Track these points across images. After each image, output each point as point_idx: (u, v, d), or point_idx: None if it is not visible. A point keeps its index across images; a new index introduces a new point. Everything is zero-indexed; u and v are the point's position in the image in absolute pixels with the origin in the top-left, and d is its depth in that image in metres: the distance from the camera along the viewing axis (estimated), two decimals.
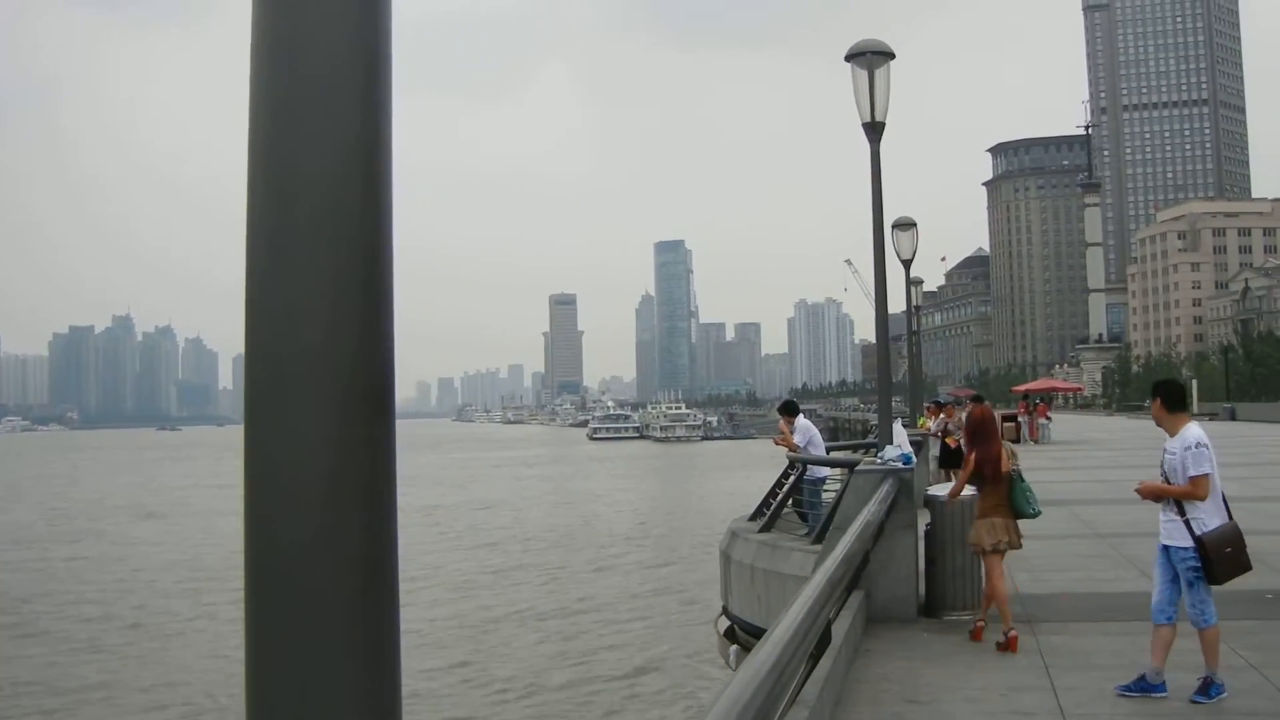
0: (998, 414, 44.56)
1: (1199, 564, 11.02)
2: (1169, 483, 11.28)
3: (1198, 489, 11.13)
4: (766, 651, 6.25)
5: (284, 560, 2.03)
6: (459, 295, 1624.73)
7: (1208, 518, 11.13)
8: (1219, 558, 11.05)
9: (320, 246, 2.05)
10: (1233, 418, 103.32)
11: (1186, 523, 11.12)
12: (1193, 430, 11.41)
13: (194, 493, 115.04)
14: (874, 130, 17.44)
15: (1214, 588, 11.17)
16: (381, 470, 2.12)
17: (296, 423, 2.04)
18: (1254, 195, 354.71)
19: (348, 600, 2.03)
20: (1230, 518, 11.29)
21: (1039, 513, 14.29)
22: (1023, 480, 14.28)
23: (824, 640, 9.81)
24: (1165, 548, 11.23)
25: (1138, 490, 11.59)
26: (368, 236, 2.09)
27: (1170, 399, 11.67)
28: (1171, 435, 11.46)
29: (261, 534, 2.05)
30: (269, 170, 2.07)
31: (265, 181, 2.07)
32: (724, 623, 23.36)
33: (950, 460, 33.67)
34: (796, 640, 6.94)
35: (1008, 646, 13.15)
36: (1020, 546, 14.23)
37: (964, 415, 36.08)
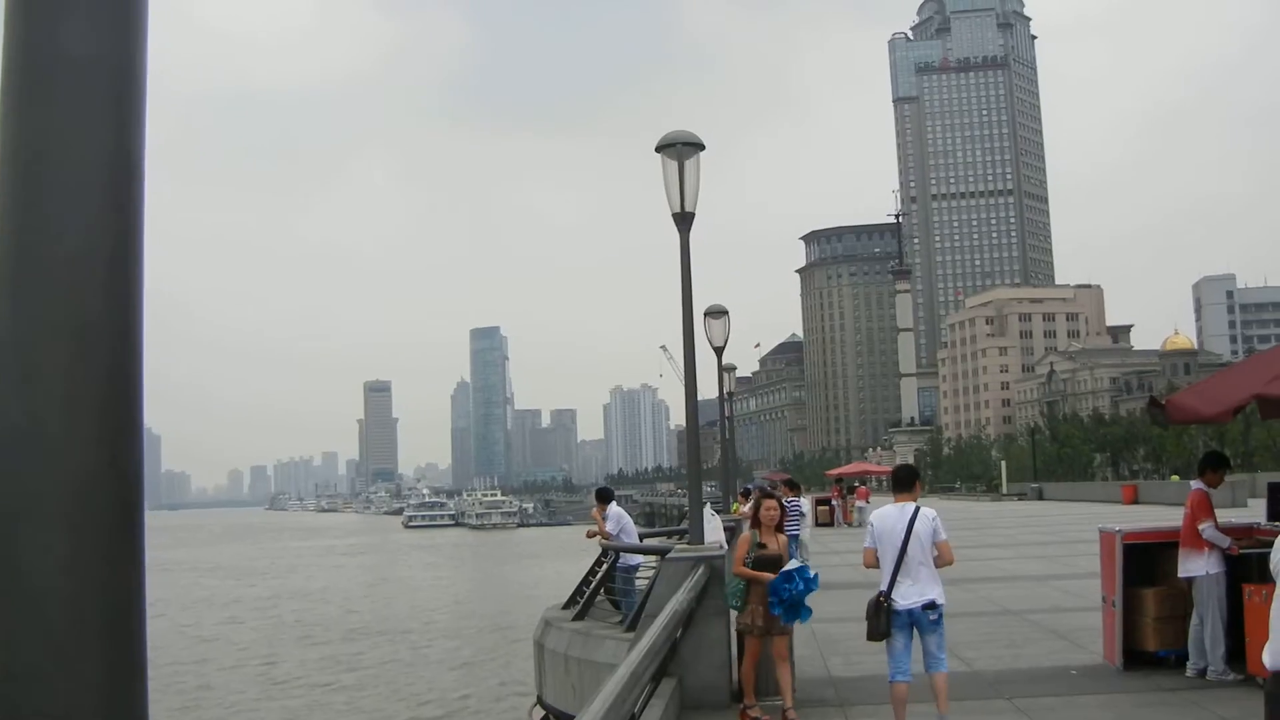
0: (810, 498, 45.04)
1: None
2: None
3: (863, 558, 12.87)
4: None
5: (21, 684, 1.85)
6: (271, 379, 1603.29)
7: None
8: (867, 615, 12.55)
9: (63, 358, 1.90)
10: (1040, 497, 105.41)
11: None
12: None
13: None
14: (684, 220, 17.55)
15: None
16: (129, 589, 1.99)
17: (37, 539, 1.88)
18: (1057, 282, 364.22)
19: None
20: (884, 589, 12.54)
21: (732, 607, 14.63)
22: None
23: None
24: None
25: None
26: (115, 354, 1.95)
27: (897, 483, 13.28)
28: None
29: None
30: (10, 275, 1.94)
31: (7, 287, 1.94)
32: (539, 712, 23.23)
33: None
34: None
35: None
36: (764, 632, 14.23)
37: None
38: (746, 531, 15.23)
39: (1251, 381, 14.66)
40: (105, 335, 1.94)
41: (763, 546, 14.36)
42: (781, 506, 15.05)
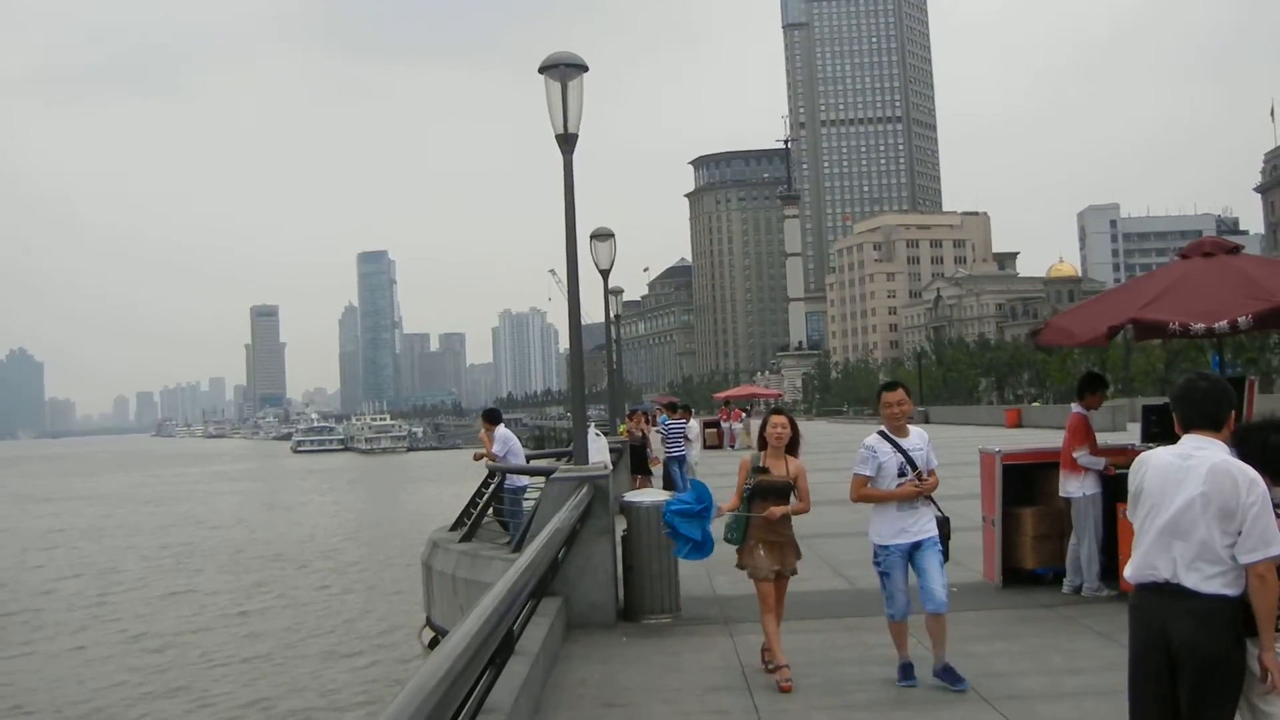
0: (698, 421, 45.15)
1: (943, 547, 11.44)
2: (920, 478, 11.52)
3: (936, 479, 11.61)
4: (437, 662, 6.21)
5: None
6: (158, 290, 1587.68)
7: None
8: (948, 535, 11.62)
9: None
10: (926, 420, 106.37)
11: (938, 510, 11.61)
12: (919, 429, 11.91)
13: None
14: (566, 142, 17.50)
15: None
16: None
17: None
18: (945, 209, 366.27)
19: None
20: None
21: (729, 541, 12.42)
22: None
23: (509, 647, 9.79)
24: (916, 544, 11.37)
25: (918, 490, 11.48)
26: None
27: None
28: (905, 435, 11.71)
29: None
30: None
31: None
32: (428, 634, 23.28)
33: (640, 466, 34.06)
34: (471, 650, 6.89)
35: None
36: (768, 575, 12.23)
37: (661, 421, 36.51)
38: (747, 454, 12.76)
39: (1127, 306, 14.88)
40: None
41: (764, 470, 12.23)
42: (794, 424, 12.53)
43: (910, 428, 11.76)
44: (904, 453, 11.50)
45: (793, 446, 12.34)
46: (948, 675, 11.01)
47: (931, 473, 11.57)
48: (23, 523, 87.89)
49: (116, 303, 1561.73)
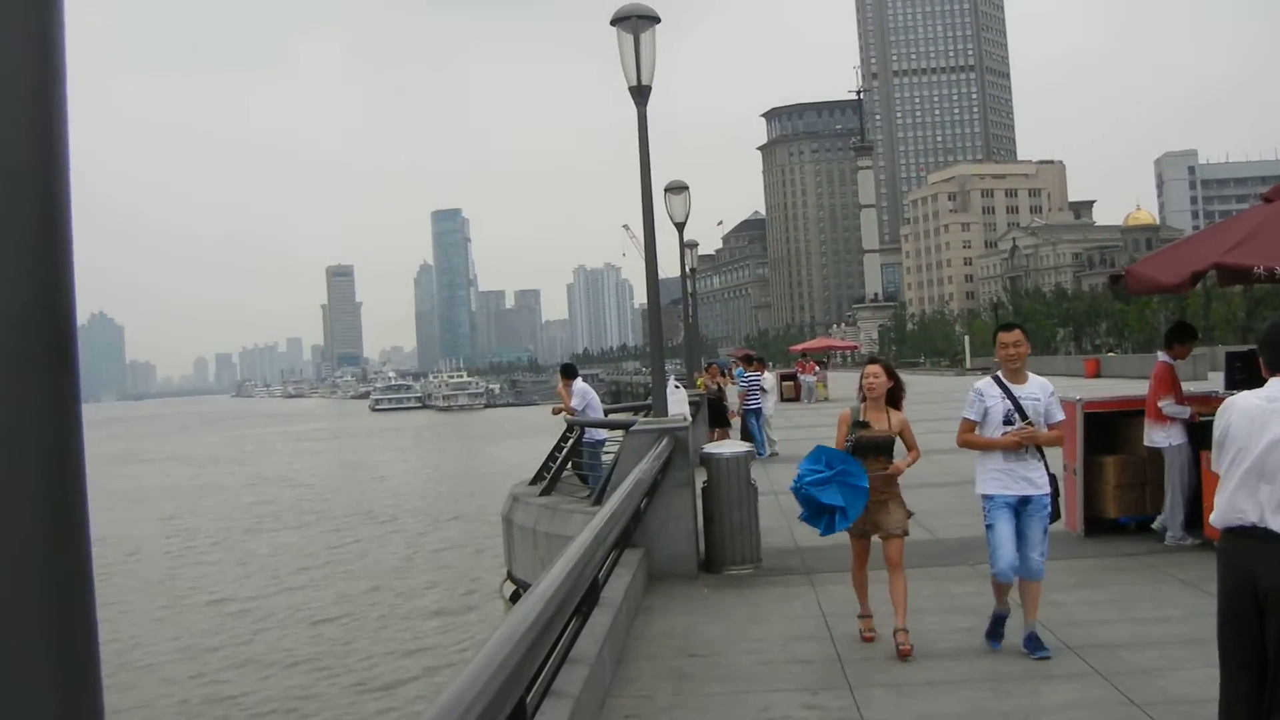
0: (774, 374, 45.10)
1: (1051, 509, 10.81)
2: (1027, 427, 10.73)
3: (1064, 433, 11.08)
4: (526, 609, 6.24)
5: None
6: (235, 270, 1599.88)
7: None
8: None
9: None
10: None
11: (1047, 467, 10.83)
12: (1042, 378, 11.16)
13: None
14: (640, 94, 17.51)
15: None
16: (66, 439, 1.53)
17: None
18: (1019, 157, 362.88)
19: (32, 596, 1.56)
20: None
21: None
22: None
23: (593, 597, 9.84)
24: (1024, 499, 10.69)
25: (1019, 438, 10.66)
26: (44, 210, 1.52)
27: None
28: (1021, 381, 10.98)
29: None
30: None
31: None
32: (509, 587, 23.45)
33: (718, 419, 34.10)
34: (558, 598, 6.92)
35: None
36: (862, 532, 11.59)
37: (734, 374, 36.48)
38: (847, 408, 11.76)
39: (1210, 251, 14.71)
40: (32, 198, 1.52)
41: (865, 425, 11.41)
42: (893, 375, 11.66)
43: (1032, 376, 11.05)
44: (1014, 400, 10.80)
45: (894, 397, 11.63)
46: (1030, 644, 10.52)
47: (1051, 426, 10.85)
48: (109, 484, 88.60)
49: (194, 265, 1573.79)
